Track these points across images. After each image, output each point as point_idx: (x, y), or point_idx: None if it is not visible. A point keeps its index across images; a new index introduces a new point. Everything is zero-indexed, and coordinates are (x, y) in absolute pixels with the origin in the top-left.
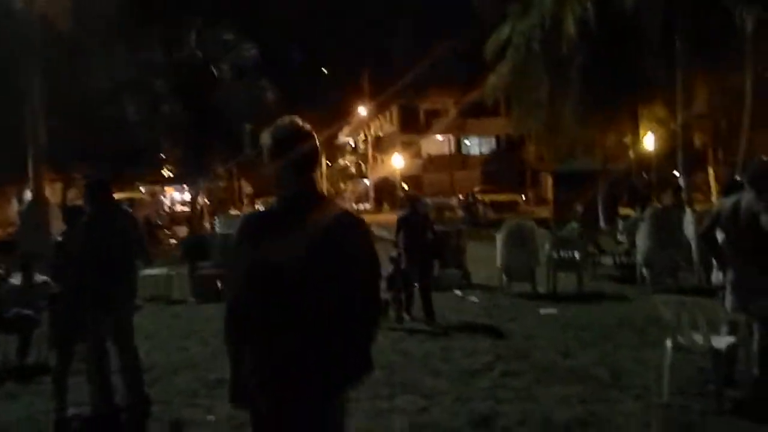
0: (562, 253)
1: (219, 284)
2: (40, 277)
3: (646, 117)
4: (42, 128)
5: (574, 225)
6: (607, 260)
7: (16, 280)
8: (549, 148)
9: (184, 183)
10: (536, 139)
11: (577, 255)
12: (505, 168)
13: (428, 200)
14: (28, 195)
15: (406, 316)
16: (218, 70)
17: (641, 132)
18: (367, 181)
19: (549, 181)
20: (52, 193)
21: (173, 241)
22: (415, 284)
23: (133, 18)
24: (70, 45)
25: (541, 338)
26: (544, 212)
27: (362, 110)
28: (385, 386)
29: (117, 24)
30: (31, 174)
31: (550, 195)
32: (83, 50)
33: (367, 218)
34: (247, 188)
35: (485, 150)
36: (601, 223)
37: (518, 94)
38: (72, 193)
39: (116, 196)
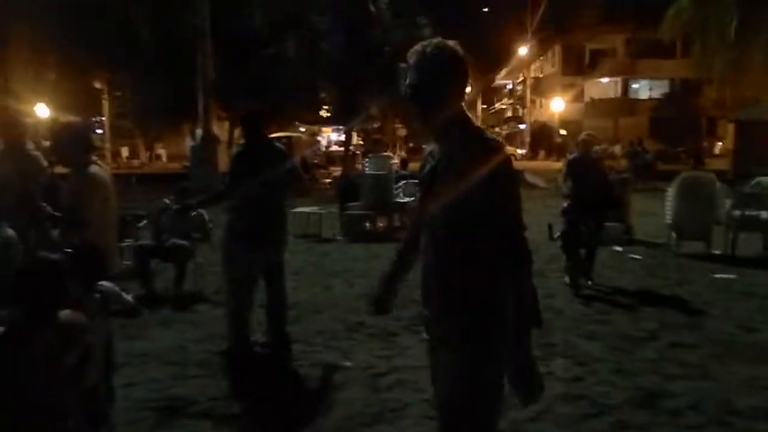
0: (746, 212)
1: (367, 224)
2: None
3: None
4: (210, 66)
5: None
6: None
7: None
8: (733, 92)
9: (341, 123)
10: (719, 83)
11: (764, 214)
12: (677, 115)
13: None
14: (199, 132)
15: (585, 282)
16: (376, 8)
17: None
18: (523, 126)
19: (729, 130)
20: (220, 129)
21: (328, 180)
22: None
23: None
24: None
25: (716, 307)
26: (722, 164)
27: (523, 50)
28: (535, 347)
29: None
30: (201, 111)
31: (729, 145)
32: None
33: (522, 165)
34: (401, 130)
35: (655, 95)
36: None
37: (702, 30)
38: (239, 131)
39: (276, 134)
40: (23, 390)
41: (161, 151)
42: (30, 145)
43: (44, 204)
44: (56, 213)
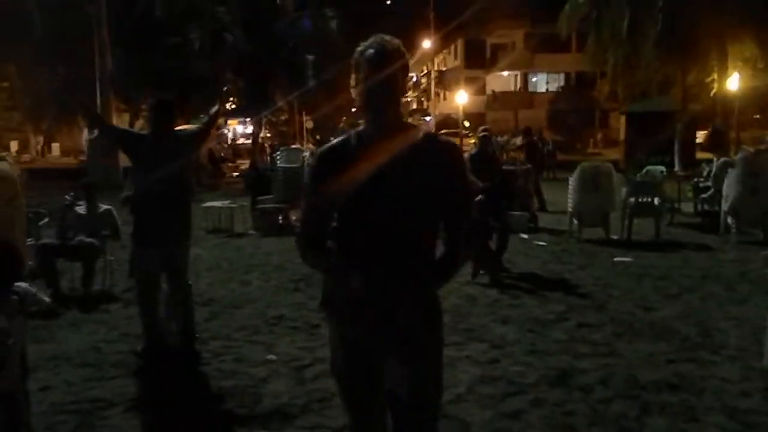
0: (641, 199)
1: (280, 218)
2: (104, 206)
3: (732, 55)
4: (108, 57)
5: (657, 168)
6: (687, 207)
7: (81, 208)
8: (624, 85)
9: (246, 116)
10: (611, 76)
11: (656, 201)
12: (573, 107)
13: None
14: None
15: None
16: None
17: (728, 71)
18: (428, 118)
19: (621, 122)
20: (120, 122)
21: (236, 174)
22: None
23: None
24: None
25: (617, 288)
26: (614, 154)
27: (426, 44)
28: (453, 332)
29: None
30: (99, 102)
31: (620, 136)
32: None
33: None
34: (308, 123)
35: (552, 88)
36: (676, 167)
37: (597, 26)
38: (139, 124)
39: (180, 126)
40: None
41: (54, 145)
42: None
43: None
44: None
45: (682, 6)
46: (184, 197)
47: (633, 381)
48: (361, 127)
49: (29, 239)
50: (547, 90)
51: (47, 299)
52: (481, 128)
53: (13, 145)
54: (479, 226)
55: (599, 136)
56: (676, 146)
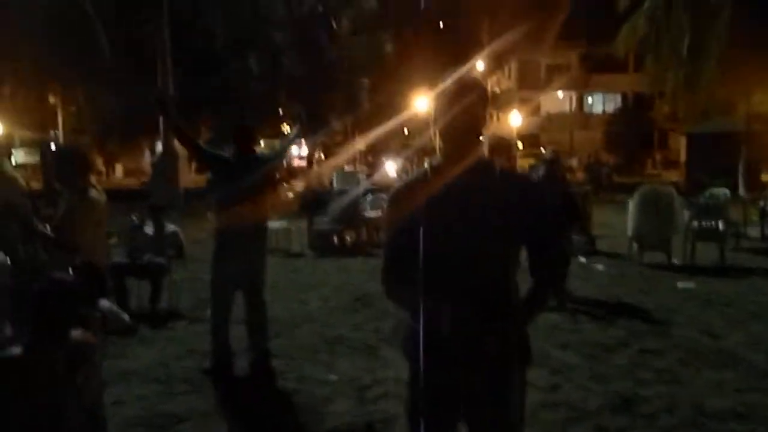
0: (704, 223)
1: (335, 239)
2: (170, 227)
3: None
4: (170, 82)
5: (721, 191)
6: (753, 232)
7: (148, 229)
8: (685, 106)
9: (302, 138)
10: (671, 97)
11: (720, 225)
12: (630, 128)
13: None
14: (159, 147)
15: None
16: (337, 23)
17: None
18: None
19: (681, 143)
20: (181, 146)
21: (291, 194)
22: None
23: None
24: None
25: (680, 314)
26: (673, 175)
27: (479, 65)
28: None
29: None
30: (161, 126)
31: (681, 157)
32: (208, 4)
33: None
34: (361, 144)
35: (609, 108)
36: (741, 191)
37: (656, 46)
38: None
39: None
40: (37, 413)
41: (117, 166)
42: (7, 166)
43: (38, 223)
44: (48, 233)
45: (745, 24)
46: (262, 216)
47: (698, 409)
48: (435, 161)
49: None
50: (603, 111)
51: (127, 318)
52: (550, 150)
53: None
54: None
55: (658, 157)
56: (741, 168)
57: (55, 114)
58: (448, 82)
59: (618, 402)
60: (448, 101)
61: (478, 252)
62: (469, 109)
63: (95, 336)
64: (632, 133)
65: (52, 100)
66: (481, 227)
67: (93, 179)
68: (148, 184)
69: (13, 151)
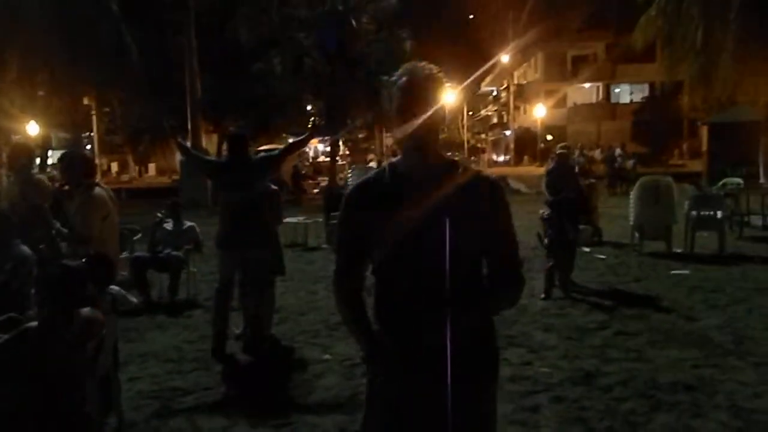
0: (702, 212)
1: None
2: (188, 223)
3: None
4: (197, 84)
5: (734, 180)
6: (757, 221)
7: (169, 225)
8: (703, 97)
9: (325, 135)
10: (689, 88)
11: (718, 214)
12: (658, 118)
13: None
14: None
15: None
16: (358, 22)
17: None
18: (508, 132)
19: (704, 133)
20: (209, 143)
21: (315, 190)
22: None
23: None
24: (220, 2)
25: (666, 299)
26: (698, 165)
27: (505, 57)
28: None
29: None
30: (189, 126)
31: (704, 147)
32: (233, 7)
33: (505, 171)
34: (388, 139)
35: (637, 98)
36: (762, 179)
37: (669, 37)
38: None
39: (264, 146)
40: (53, 377)
41: (150, 165)
42: (35, 170)
43: (54, 221)
44: (64, 229)
45: (757, 16)
46: (258, 210)
47: (652, 382)
48: (395, 160)
49: (124, 252)
50: (631, 101)
51: (134, 300)
52: (560, 145)
53: (114, 166)
54: (551, 242)
55: (685, 147)
56: (761, 157)
57: (90, 116)
58: (409, 74)
59: (580, 377)
60: (406, 96)
61: (438, 257)
62: (427, 103)
63: (104, 315)
64: (660, 123)
65: (86, 101)
66: (441, 231)
67: (98, 179)
68: (178, 182)
69: (50, 152)
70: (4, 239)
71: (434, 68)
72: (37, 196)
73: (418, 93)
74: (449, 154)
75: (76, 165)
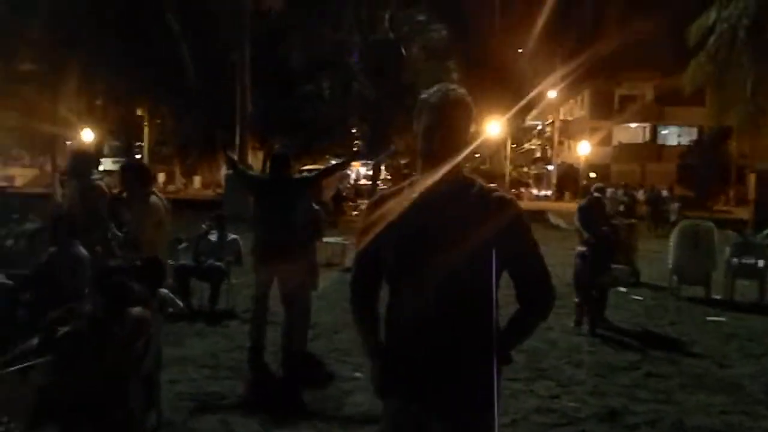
0: (743, 260)
1: None
2: (231, 235)
3: None
4: (248, 101)
5: None
6: None
7: (213, 236)
8: (751, 143)
9: (368, 158)
10: (738, 134)
11: (760, 263)
12: (706, 162)
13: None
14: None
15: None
16: (408, 50)
17: None
18: (550, 167)
19: (751, 180)
20: (254, 160)
21: (355, 213)
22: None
23: None
24: (275, 24)
25: (700, 345)
26: (745, 213)
27: (552, 93)
28: (525, 370)
29: (319, 4)
30: (237, 142)
31: (752, 195)
32: (287, 29)
33: (546, 206)
34: None
35: (684, 141)
36: None
37: (719, 84)
38: None
39: (307, 166)
40: (101, 372)
41: (195, 178)
42: (95, 175)
43: (111, 225)
44: (119, 233)
45: None
46: (296, 228)
47: (679, 424)
48: (416, 176)
49: (170, 260)
50: (678, 143)
51: (181, 304)
52: (595, 186)
53: (161, 177)
54: (582, 277)
55: (731, 193)
56: None
57: (142, 126)
58: (437, 94)
59: (607, 414)
60: (432, 115)
61: (453, 267)
62: (452, 124)
63: (153, 316)
64: (707, 167)
65: (139, 113)
66: (457, 242)
67: (154, 188)
68: (222, 196)
69: (101, 161)
70: (64, 240)
71: (464, 91)
72: (96, 201)
73: (443, 113)
74: (491, 185)
75: (135, 176)
